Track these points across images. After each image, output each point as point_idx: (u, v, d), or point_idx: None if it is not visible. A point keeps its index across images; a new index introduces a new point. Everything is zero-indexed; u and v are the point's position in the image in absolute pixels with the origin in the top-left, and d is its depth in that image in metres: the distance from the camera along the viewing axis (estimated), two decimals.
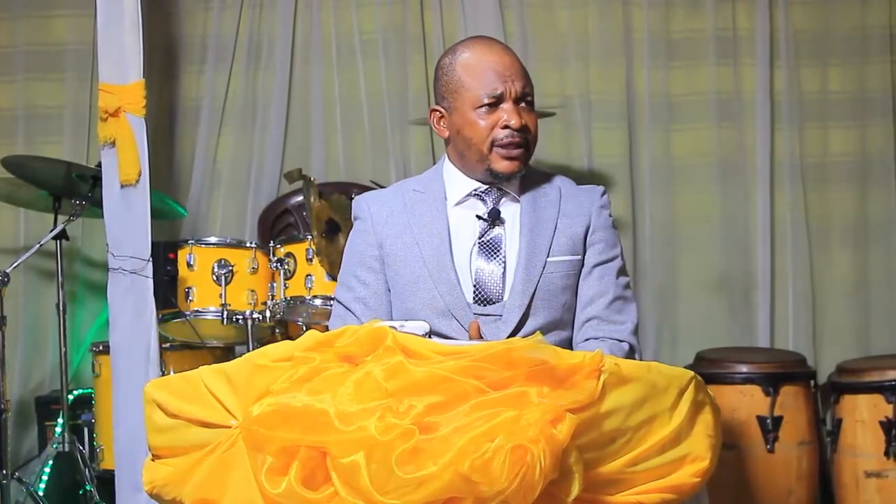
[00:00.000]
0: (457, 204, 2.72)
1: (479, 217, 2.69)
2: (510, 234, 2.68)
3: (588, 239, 2.71)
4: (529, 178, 2.74)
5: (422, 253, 2.66)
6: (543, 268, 2.64)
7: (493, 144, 2.65)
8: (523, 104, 2.65)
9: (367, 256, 2.72)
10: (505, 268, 2.65)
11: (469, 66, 2.67)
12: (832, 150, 4.64)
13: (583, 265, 2.69)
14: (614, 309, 2.68)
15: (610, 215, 2.77)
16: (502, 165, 2.66)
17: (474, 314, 2.61)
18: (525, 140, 2.65)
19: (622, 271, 2.74)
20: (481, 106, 2.64)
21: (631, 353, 2.66)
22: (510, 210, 2.71)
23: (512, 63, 2.66)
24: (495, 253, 2.66)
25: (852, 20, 4.62)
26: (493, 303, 2.64)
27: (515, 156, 2.65)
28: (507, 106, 2.64)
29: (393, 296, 2.70)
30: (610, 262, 2.71)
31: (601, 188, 2.79)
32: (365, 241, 2.73)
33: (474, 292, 2.64)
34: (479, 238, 2.68)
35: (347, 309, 2.73)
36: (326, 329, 3.24)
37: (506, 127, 2.63)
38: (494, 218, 2.68)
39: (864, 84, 4.62)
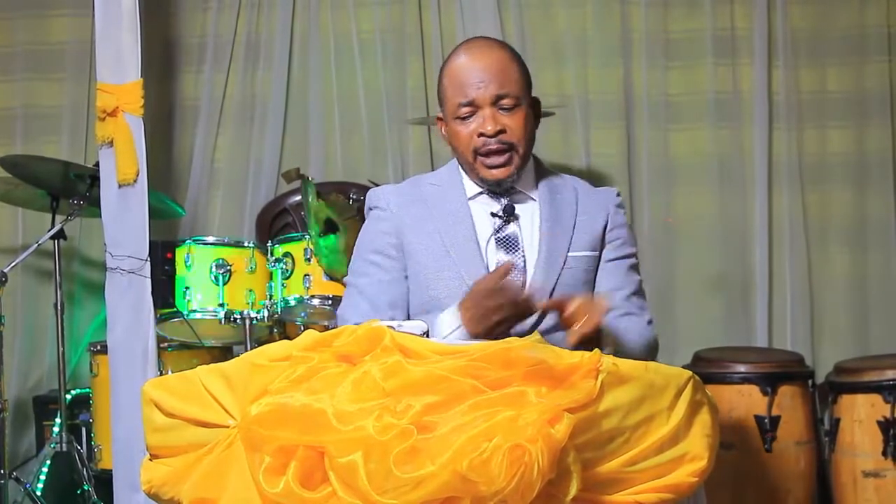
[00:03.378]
0: (470, 199, 2.71)
1: (493, 214, 2.67)
2: (526, 230, 2.66)
3: (606, 235, 2.71)
4: (544, 175, 2.74)
5: (443, 241, 2.64)
6: (564, 262, 2.63)
7: (475, 153, 2.62)
8: (500, 108, 2.60)
9: (383, 244, 2.68)
10: (525, 262, 2.64)
11: (449, 74, 2.65)
12: (830, 150, 4.63)
13: (600, 260, 2.70)
14: (634, 303, 2.71)
15: (625, 215, 2.77)
16: (487, 174, 2.64)
17: None
18: (507, 144, 2.61)
19: (637, 270, 2.76)
20: (458, 116, 2.61)
21: (655, 347, 2.68)
22: (526, 208, 2.69)
23: (487, 66, 2.59)
24: (514, 248, 2.65)
25: (850, 20, 4.61)
26: None
27: (498, 163, 2.62)
28: (481, 112, 2.60)
29: (414, 286, 2.66)
30: (626, 258, 2.73)
31: (616, 189, 2.81)
32: (381, 230, 2.69)
33: None
34: (496, 234, 2.66)
35: (362, 294, 2.66)
36: (325, 328, 3.26)
37: (481, 135, 2.60)
38: (509, 214, 2.66)
39: (862, 84, 4.61)
